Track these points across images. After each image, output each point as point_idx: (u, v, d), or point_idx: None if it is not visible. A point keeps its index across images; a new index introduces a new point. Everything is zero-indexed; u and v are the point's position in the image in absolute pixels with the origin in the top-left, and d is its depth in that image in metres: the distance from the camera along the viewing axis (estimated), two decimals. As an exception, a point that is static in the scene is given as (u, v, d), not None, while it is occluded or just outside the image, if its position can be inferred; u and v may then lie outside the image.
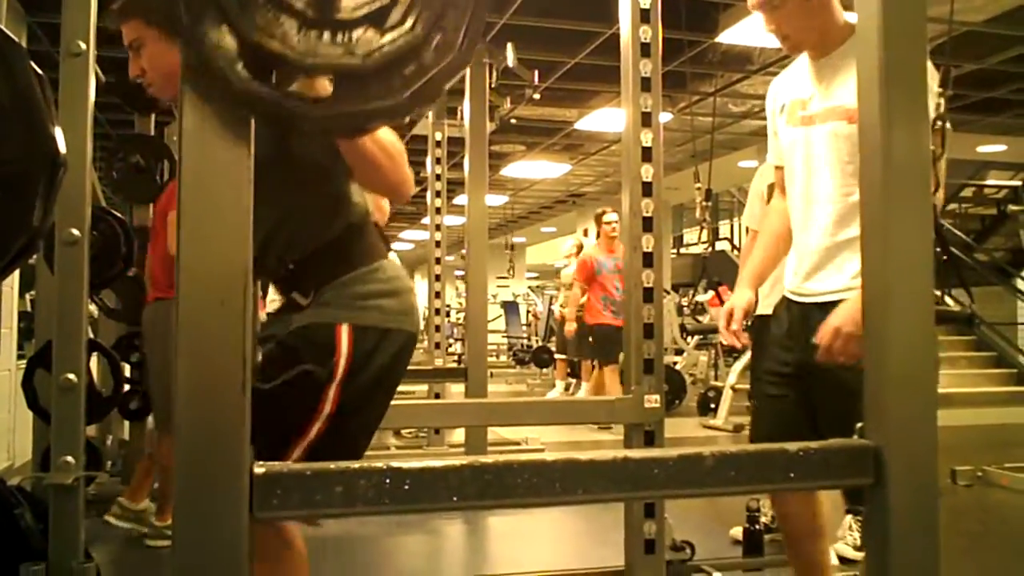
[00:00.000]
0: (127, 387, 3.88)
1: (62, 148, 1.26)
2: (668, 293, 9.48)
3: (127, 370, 3.88)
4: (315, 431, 1.65)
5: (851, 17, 2.12)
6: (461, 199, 6.05)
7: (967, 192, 11.48)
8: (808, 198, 2.15)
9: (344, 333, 1.67)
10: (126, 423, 4.30)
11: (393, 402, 1.82)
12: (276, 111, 1.05)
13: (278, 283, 1.82)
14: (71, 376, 2.09)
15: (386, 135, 1.60)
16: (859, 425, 1.26)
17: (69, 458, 2.06)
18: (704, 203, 6.91)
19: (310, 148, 1.69)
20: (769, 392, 2.24)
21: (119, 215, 3.05)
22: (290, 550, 1.72)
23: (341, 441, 1.70)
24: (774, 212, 2.33)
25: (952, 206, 11.36)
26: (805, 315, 2.14)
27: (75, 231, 2.11)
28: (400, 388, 1.82)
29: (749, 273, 2.32)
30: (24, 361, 3.59)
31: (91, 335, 2.65)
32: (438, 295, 6.23)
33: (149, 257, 3.60)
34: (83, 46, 2.15)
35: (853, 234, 2.05)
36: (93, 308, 3.99)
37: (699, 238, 7.87)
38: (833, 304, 2.06)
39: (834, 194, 2.08)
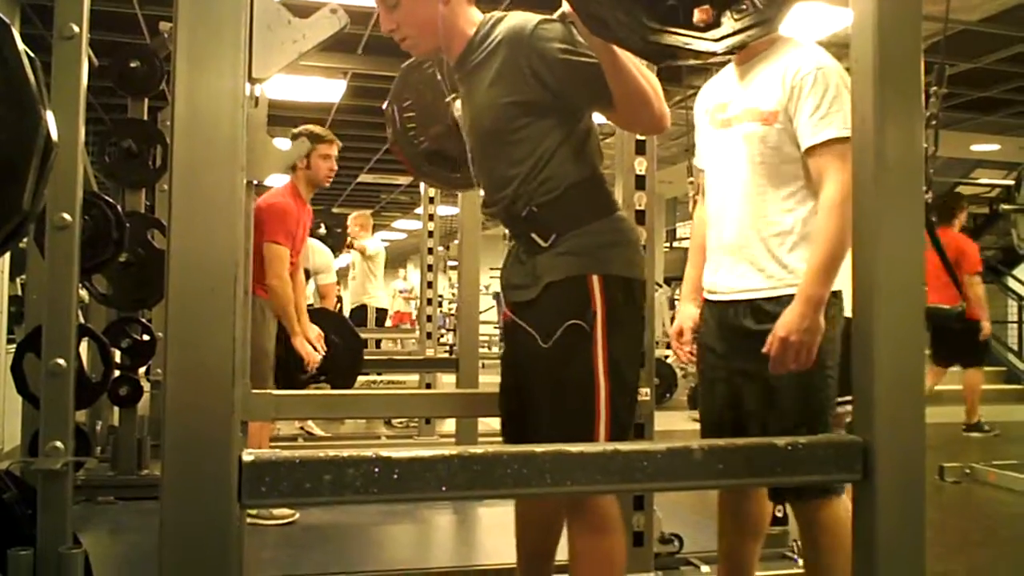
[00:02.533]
0: (117, 373, 3.87)
1: (54, 132, 1.26)
2: (660, 286, 9.49)
3: (117, 356, 3.87)
4: (604, 383, 1.79)
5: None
6: (455, 189, 6.05)
7: (960, 190, 11.51)
8: (722, 197, 2.18)
9: (596, 283, 1.80)
10: (116, 409, 4.28)
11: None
12: (688, 45, 1.27)
13: (516, 223, 1.92)
14: (61, 361, 2.09)
15: (649, 72, 1.72)
16: (848, 420, 1.27)
17: (58, 443, 2.06)
18: (697, 197, 6.92)
19: (577, 92, 1.81)
20: (711, 375, 2.24)
21: (111, 200, 3.04)
22: (618, 533, 1.86)
23: (626, 392, 1.85)
24: (698, 223, 2.37)
25: (945, 204, 11.38)
26: (721, 313, 2.17)
27: (66, 215, 2.11)
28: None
29: (689, 288, 2.36)
30: (14, 345, 3.58)
31: (81, 320, 2.63)
32: (430, 285, 6.23)
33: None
34: (76, 29, 2.13)
35: (765, 232, 2.08)
36: (84, 293, 3.97)
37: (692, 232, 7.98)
38: (745, 303, 2.10)
39: (747, 193, 2.10)
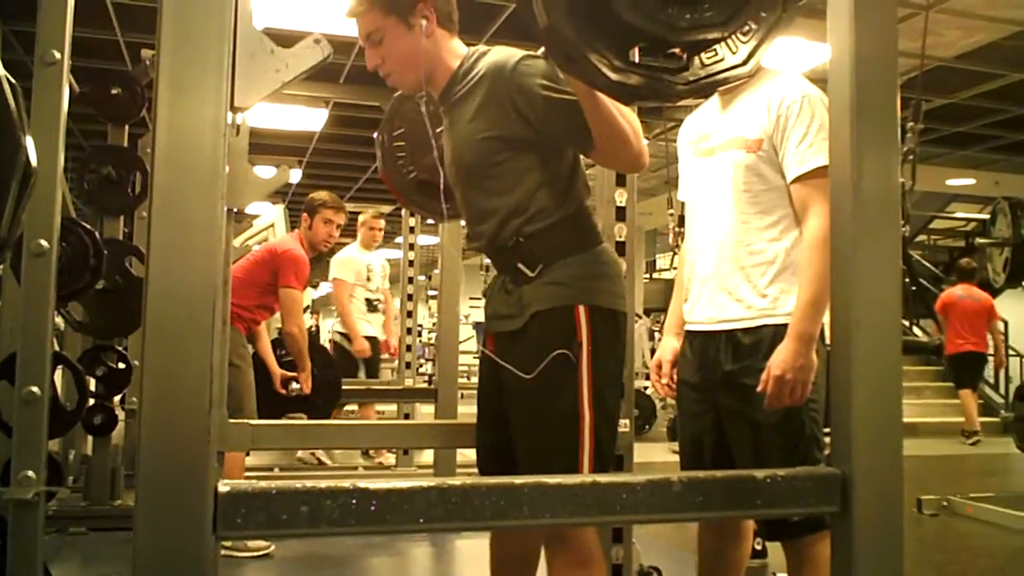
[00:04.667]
0: (92, 401, 3.82)
1: (33, 158, 1.25)
2: (640, 317, 9.51)
3: (92, 384, 3.83)
4: (588, 413, 1.78)
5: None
6: (436, 219, 6.04)
7: (936, 224, 11.65)
8: (704, 227, 2.17)
9: (582, 314, 1.81)
10: (89, 438, 4.23)
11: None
12: (654, 87, 1.28)
13: (501, 255, 1.92)
14: (34, 389, 2.06)
15: (629, 112, 1.72)
16: (826, 452, 1.27)
17: (30, 472, 2.03)
18: (677, 229, 6.95)
19: (557, 130, 1.81)
20: (690, 409, 2.23)
21: (89, 227, 3.02)
22: (599, 566, 1.84)
23: (609, 423, 1.85)
24: (684, 257, 2.35)
25: (921, 238, 11.52)
26: (700, 345, 2.16)
27: (43, 242, 2.09)
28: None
29: (672, 322, 2.34)
30: (-13, 373, 3.53)
31: (57, 348, 2.61)
32: (410, 315, 6.21)
33: None
34: (57, 55, 2.13)
35: (746, 262, 2.07)
36: (60, 320, 3.93)
37: (671, 263, 7.94)
38: (724, 334, 2.08)
39: (729, 222, 2.09)
